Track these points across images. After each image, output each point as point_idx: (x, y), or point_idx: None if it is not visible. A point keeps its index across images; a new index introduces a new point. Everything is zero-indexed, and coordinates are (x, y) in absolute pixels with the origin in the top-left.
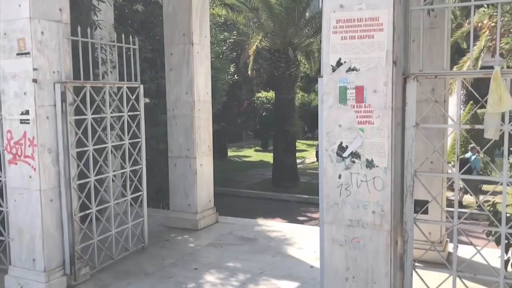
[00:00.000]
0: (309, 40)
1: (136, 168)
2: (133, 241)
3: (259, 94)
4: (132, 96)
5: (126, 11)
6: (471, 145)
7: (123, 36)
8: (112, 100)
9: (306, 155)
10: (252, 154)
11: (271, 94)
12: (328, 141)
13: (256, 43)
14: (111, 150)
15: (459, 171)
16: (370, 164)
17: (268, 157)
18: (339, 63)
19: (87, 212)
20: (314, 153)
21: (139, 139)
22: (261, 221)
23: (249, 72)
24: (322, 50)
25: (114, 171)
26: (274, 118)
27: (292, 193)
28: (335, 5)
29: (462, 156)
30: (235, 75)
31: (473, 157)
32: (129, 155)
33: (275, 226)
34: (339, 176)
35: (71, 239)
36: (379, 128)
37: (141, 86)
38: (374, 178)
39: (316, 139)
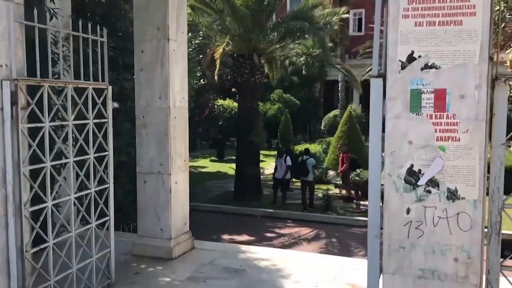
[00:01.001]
0: (274, 46)
1: (102, 188)
2: (98, 278)
3: (218, 102)
4: (99, 99)
5: (86, 1)
6: None
7: (89, 26)
8: (74, 104)
9: (264, 166)
10: (208, 165)
11: (227, 102)
12: (393, 163)
13: (223, 46)
14: (73, 167)
15: None
16: (453, 195)
17: (225, 167)
18: (411, 58)
19: (42, 246)
20: (274, 163)
21: (106, 153)
22: (243, 247)
23: (215, 77)
24: (386, 40)
25: (76, 192)
26: (231, 127)
27: (256, 206)
28: None
29: None
30: (201, 80)
31: None
32: (94, 171)
33: (261, 253)
34: (408, 211)
35: (21, 284)
36: (467, 146)
37: (110, 88)
38: (458, 214)
39: (274, 149)
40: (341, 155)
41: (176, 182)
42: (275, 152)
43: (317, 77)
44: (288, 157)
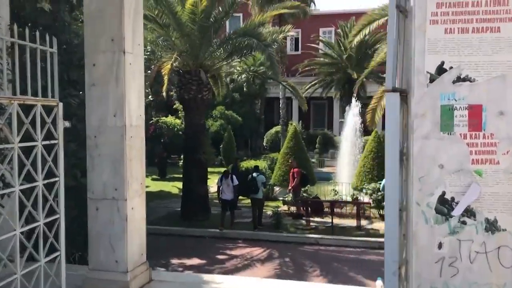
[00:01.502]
0: (221, 63)
1: (51, 219)
2: None
3: (161, 119)
4: (48, 118)
5: (27, 10)
6: None
7: (37, 34)
8: (20, 123)
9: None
10: (150, 184)
11: (170, 119)
12: (421, 190)
13: (171, 62)
14: (19, 196)
15: None
16: (492, 227)
17: (168, 186)
18: (441, 69)
19: None
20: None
21: (57, 178)
22: (206, 276)
23: (163, 93)
24: (411, 49)
25: (22, 226)
26: (175, 144)
27: (205, 226)
28: None
29: None
30: (149, 96)
31: None
32: (43, 200)
33: (225, 283)
34: (440, 245)
35: None
36: (508, 170)
37: (60, 105)
38: (498, 248)
39: (218, 166)
40: (291, 170)
41: (132, 208)
42: (219, 169)
43: (258, 94)
44: (234, 176)
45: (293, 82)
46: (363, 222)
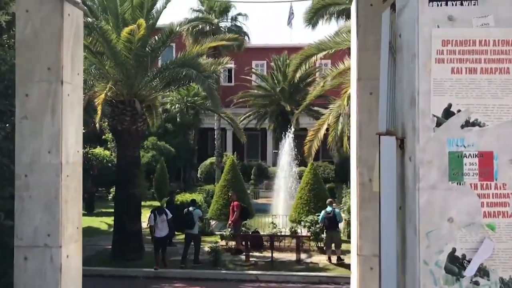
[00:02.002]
0: (157, 93)
1: None
2: None
3: (90, 151)
4: None
5: None
6: (329, 200)
7: None
8: None
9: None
10: None
11: (98, 150)
12: (429, 247)
13: (105, 92)
14: None
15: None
16: (507, 287)
17: (97, 222)
18: (448, 113)
19: None
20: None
21: None
22: None
23: (96, 124)
24: (415, 89)
25: None
26: (104, 177)
27: (138, 266)
28: (439, 16)
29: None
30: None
31: (336, 210)
32: None
33: None
34: None
35: None
36: None
37: None
38: None
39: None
40: (232, 204)
41: (67, 256)
42: (151, 203)
43: (192, 124)
44: (167, 210)
45: (228, 114)
46: (303, 256)
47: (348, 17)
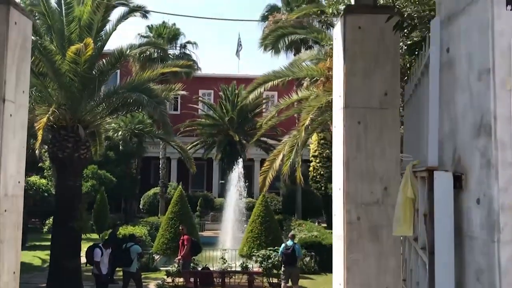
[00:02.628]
0: (103, 120)
1: None
2: None
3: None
4: None
5: None
6: (291, 233)
7: None
8: None
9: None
10: None
11: (34, 178)
12: None
13: (47, 116)
14: None
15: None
16: None
17: (29, 257)
18: None
19: None
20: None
21: None
22: None
23: (36, 151)
24: (486, 113)
25: None
26: (39, 207)
27: None
28: None
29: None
30: None
31: (297, 245)
32: None
33: None
34: None
35: None
36: None
37: None
38: None
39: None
40: (181, 237)
41: None
42: (89, 235)
43: (135, 153)
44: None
45: (178, 142)
46: None
47: (297, 50)
